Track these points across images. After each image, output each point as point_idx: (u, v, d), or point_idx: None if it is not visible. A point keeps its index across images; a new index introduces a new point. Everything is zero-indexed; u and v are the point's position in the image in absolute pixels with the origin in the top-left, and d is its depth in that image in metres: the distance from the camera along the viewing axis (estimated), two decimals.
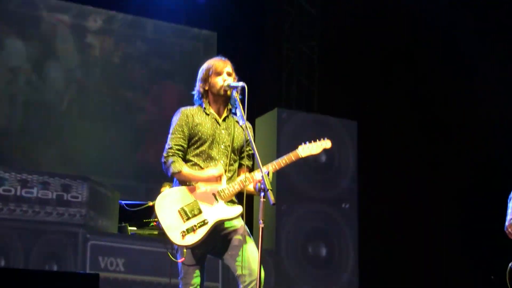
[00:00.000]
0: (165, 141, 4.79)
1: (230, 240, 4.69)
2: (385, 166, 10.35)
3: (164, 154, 4.73)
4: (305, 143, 4.82)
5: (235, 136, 4.81)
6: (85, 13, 10.81)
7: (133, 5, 10.68)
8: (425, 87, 10.71)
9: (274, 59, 11.59)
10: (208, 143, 4.75)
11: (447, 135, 10.63)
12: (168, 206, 4.59)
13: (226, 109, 4.87)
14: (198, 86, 4.94)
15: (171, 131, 4.80)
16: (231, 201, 4.70)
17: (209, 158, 4.75)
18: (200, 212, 4.57)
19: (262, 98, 10.47)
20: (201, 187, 4.64)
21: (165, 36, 11.32)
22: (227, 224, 4.68)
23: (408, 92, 10.70)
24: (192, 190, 4.64)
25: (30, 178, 7.23)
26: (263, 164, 4.47)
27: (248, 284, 4.57)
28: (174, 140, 4.74)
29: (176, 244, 4.55)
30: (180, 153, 4.72)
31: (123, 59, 11.00)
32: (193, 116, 4.81)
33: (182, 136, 4.75)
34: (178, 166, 4.66)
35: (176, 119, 4.83)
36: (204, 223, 4.55)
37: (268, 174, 4.36)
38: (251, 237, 4.71)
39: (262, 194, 4.29)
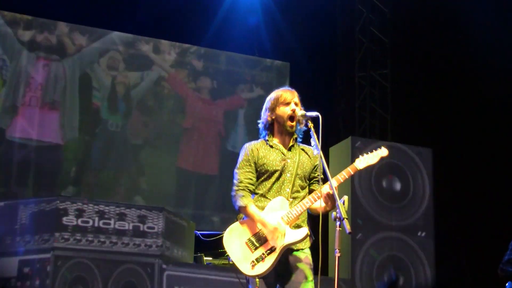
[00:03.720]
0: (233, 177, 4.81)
1: (293, 272, 4.65)
2: (461, 193, 10.17)
3: (234, 188, 4.77)
4: (362, 154, 4.74)
5: (299, 163, 4.78)
6: (161, 46, 11.03)
7: (206, 38, 10.84)
8: (500, 113, 10.51)
9: (347, 88, 11.58)
10: (275, 175, 4.76)
11: None
12: (236, 239, 4.65)
13: (291, 139, 4.85)
14: (266, 115, 4.91)
15: (238, 165, 4.83)
16: (296, 225, 4.67)
17: (276, 190, 4.75)
18: (266, 240, 4.58)
19: (336, 127, 10.45)
20: (265, 216, 4.64)
21: (238, 67, 11.44)
22: (294, 252, 4.66)
23: (484, 118, 10.52)
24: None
25: (107, 210, 7.34)
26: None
27: None
28: (243, 174, 4.78)
29: (248, 276, 4.56)
30: (250, 186, 4.77)
31: (196, 91, 11.14)
32: (258, 150, 4.83)
33: (250, 170, 4.78)
34: (245, 200, 4.69)
35: (242, 154, 4.85)
36: (271, 250, 4.56)
37: (343, 203, 4.33)
38: (312, 271, 4.68)
39: (338, 223, 4.26)
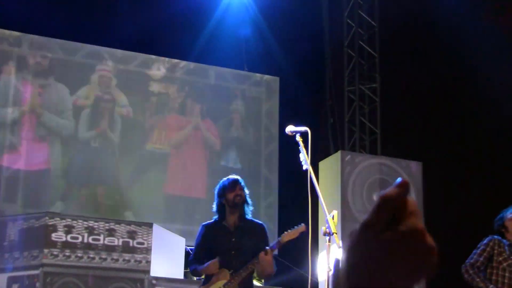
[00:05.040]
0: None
1: None
2: (452, 206, 10.17)
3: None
4: (286, 231, 5.57)
5: (243, 241, 5.66)
6: (149, 62, 11.04)
7: (195, 53, 10.86)
8: (492, 126, 10.54)
9: (336, 102, 11.60)
10: (221, 253, 5.61)
11: None
12: None
13: (240, 218, 5.77)
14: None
15: (195, 244, 5.89)
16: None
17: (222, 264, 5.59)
18: None
19: (325, 142, 10.45)
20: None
21: (227, 81, 11.47)
22: None
23: (474, 131, 10.55)
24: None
25: (96, 225, 7.32)
26: (327, 207, 4.46)
27: None
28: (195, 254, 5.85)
29: None
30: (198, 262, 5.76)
31: (185, 105, 11.14)
32: (211, 230, 5.82)
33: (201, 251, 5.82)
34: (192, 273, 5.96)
35: (198, 234, 5.89)
36: None
37: (333, 217, 4.34)
38: None
39: (327, 238, 4.27)
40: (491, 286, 6.52)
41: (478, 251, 6.71)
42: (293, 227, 5.49)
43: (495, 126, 10.52)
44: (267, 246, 5.52)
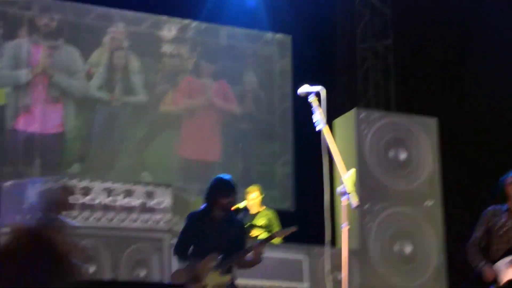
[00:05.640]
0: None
1: None
2: (467, 162, 10.17)
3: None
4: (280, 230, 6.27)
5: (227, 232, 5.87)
6: (160, 23, 11.01)
7: (206, 13, 10.80)
8: (509, 80, 10.47)
9: (349, 60, 11.55)
10: (205, 244, 5.79)
11: None
12: (178, 279, 5.90)
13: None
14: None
15: (180, 232, 6.08)
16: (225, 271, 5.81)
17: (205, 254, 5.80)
18: (200, 279, 5.72)
19: (339, 100, 10.44)
20: None
21: (238, 41, 11.42)
22: None
23: (490, 85, 10.48)
24: None
25: (114, 187, 7.38)
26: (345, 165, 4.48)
27: None
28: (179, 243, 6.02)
29: None
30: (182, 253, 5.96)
31: (198, 67, 11.13)
32: (198, 221, 5.96)
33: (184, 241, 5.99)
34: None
35: (184, 223, 6.07)
36: None
37: (350, 175, 4.35)
38: None
39: (344, 197, 4.29)
40: (482, 263, 6.59)
41: (476, 227, 6.79)
42: (287, 228, 5.95)
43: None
44: (243, 241, 5.96)
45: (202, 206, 6.03)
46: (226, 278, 5.76)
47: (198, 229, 5.91)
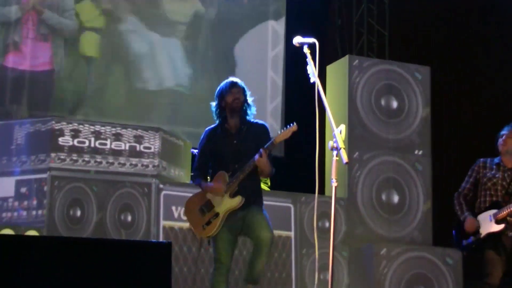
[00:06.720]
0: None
1: (246, 223, 5.69)
2: (459, 111, 10.15)
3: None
4: (280, 132, 5.59)
5: (245, 143, 5.70)
6: None
7: None
8: (502, 31, 10.40)
9: (343, 4, 11.40)
10: (224, 156, 5.73)
11: None
12: (191, 208, 5.83)
13: (241, 120, 5.79)
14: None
15: (198, 149, 5.99)
16: (236, 193, 5.62)
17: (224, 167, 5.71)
18: (212, 206, 5.64)
19: (332, 45, 10.32)
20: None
21: None
22: (238, 213, 5.65)
23: (484, 35, 10.40)
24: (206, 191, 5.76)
25: (103, 130, 7.32)
26: (334, 119, 4.43)
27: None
28: (199, 161, 5.97)
29: (200, 236, 5.71)
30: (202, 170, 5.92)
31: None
32: (213, 134, 5.86)
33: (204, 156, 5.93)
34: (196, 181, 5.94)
35: (201, 139, 5.96)
36: (216, 215, 5.61)
37: (340, 132, 4.32)
38: (260, 215, 5.68)
39: (334, 152, 4.26)
40: (466, 213, 6.72)
41: (466, 178, 6.93)
42: (286, 127, 5.53)
43: (506, 32, 10.39)
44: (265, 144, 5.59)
45: (217, 121, 5.95)
46: (236, 201, 5.60)
47: (215, 142, 5.82)
